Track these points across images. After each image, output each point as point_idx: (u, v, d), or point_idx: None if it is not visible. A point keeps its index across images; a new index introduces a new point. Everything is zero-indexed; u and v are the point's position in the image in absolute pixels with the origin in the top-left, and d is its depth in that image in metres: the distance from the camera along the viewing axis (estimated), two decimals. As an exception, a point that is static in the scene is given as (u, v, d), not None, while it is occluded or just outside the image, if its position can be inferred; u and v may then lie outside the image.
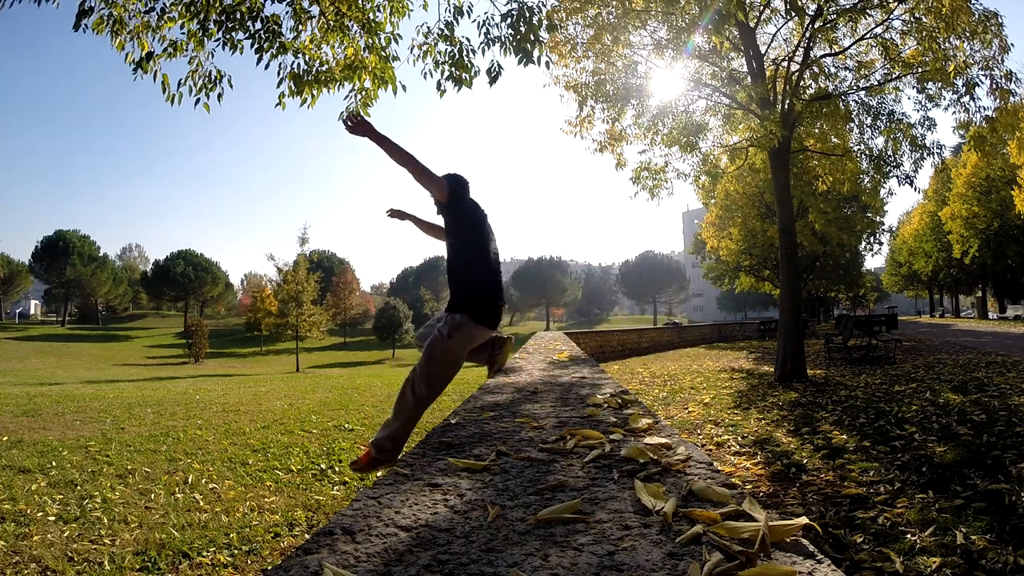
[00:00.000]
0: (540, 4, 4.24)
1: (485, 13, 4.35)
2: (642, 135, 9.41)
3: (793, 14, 8.04)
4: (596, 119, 9.30)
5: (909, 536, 2.61)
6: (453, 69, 4.40)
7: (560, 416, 1.48)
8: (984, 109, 8.19)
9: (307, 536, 2.12)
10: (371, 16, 4.52)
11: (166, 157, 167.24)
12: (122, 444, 5.13)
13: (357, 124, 2.56)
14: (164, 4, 4.11)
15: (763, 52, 8.77)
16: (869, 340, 11.59)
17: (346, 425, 6.04)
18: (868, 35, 8.60)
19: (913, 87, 8.62)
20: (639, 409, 1.54)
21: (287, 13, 4.36)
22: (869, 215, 19.30)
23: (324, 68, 4.52)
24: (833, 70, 9.23)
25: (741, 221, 17.23)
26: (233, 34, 4.21)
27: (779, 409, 6.17)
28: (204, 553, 2.91)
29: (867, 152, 9.30)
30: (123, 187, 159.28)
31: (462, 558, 0.65)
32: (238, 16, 4.18)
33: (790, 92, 8.44)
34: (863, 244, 22.34)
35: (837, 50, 8.82)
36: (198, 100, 4.23)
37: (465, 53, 4.41)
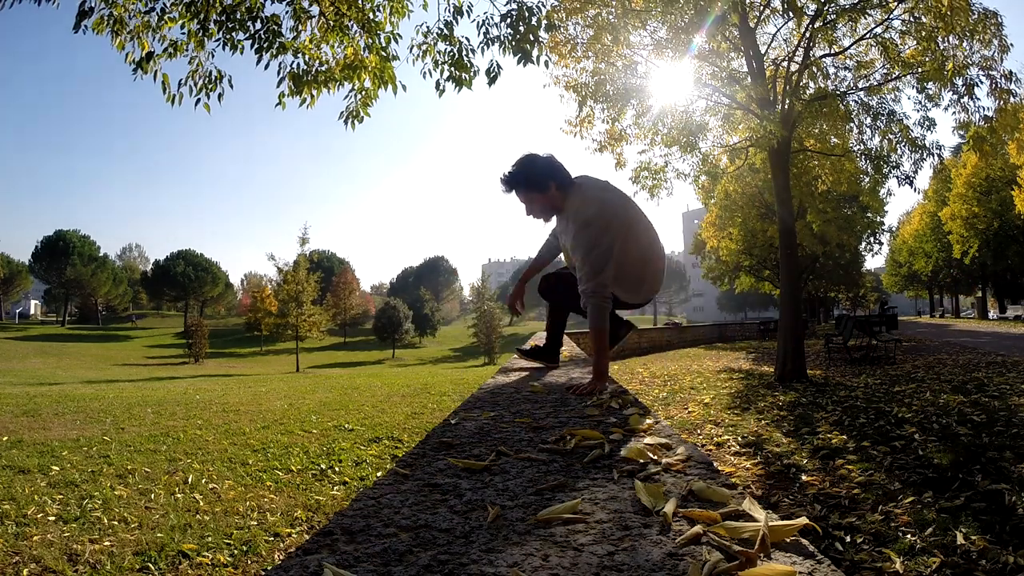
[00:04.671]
0: (540, 4, 4.25)
1: (484, 13, 4.36)
2: (642, 135, 9.41)
3: (791, 14, 8.04)
4: (596, 119, 9.31)
5: (909, 536, 2.61)
6: (453, 69, 4.40)
7: (560, 416, 1.48)
8: (984, 109, 8.20)
9: (307, 536, 2.12)
10: (371, 16, 4.52)
11: (166, 157, 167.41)
12: (122, 444, 5.12)
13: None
14: (164, 4, 4.11)
15: (763, 52, 8.77)
16: (869, 340, 11.59)
17: (346, 425, 6.04)
18: (868, 35, 8.61)
19: (913, 87, 8.63)
20: (639, 409, 1.54)
21: (287, 13, 4.36)
22: (869, 215, 19.30)
23: (324, 68, 4.52)
24: (833, 70, 9.24)
25: (741, 221, 17.22)
26: (233, 34, 4.21)
27: (779, 409, 6.18)
28: (204, 553, 2.91)
29: (866, 152, 9.30)
30: (123, 187, 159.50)
31: (462, 558, 0.65)
32: (238, 16, 4.18)
33: (790, 92, 8.45)
34: (863, 244, 22.35)
35: (837, 50, 8.82)
36: (198, 100, 4.23)
37: (464, 53, 4.41)
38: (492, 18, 4.22)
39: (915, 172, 8.81)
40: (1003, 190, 26.59)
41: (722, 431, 5.27)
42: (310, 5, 4.44)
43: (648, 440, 1.16)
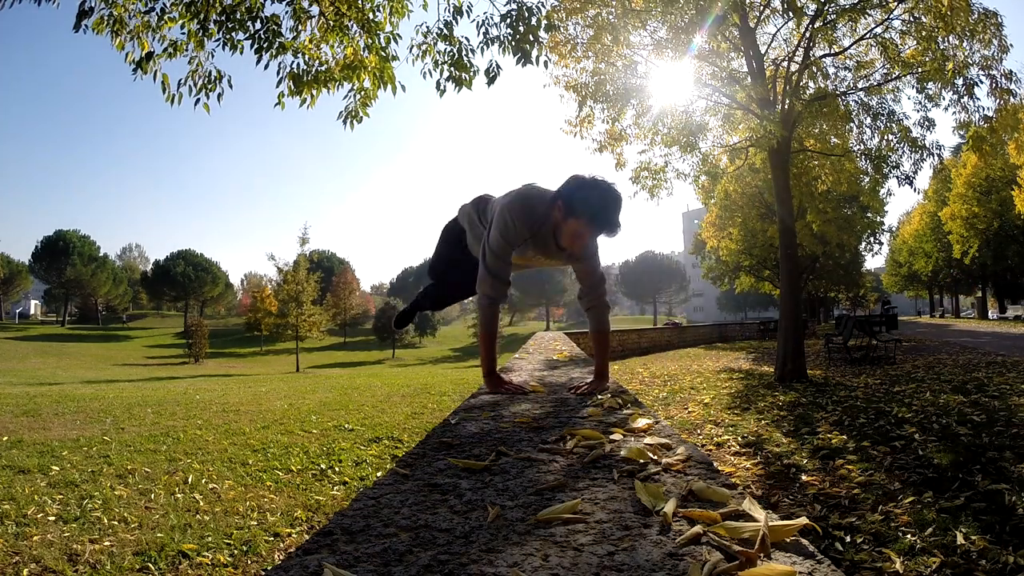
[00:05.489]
0: (540, 4, 4.25)
1: (484, 13, 4.35)
2: (642, 135, 9.41)
3: (791, 14, 8.04)
4: (596, 119, 9.31)
5: (909, 536, 2.62)
6: (453, 69, 4.40)
7: (560, 416, 1.48)
8: (984, 109, 8.20)
9: (307, 536, 2.12)
10: (371, 16, 4.52)
11: (166, 157, 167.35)
12: (122, 444, 5.12)
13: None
14: (164, 4, 4.11)
15: (763, 52, 8.77)
16: (869, 340, 11.59)
17: (346, 425, 6.05)
18: (868, 35, 8.61)
19: (913, 87, 8.63)
20: (639, 409, 1.54)
21: (287, 13, 4.36)
22: (869, 215, 19.29)
23: (323, 68, 4.52)
24: (833, 70, 9.24)
25: (741, 221, 17.22)
26: (233, 34, 4.21)
27: (779, 409, 6.18)
28: (204, 553, 2.91)
29: (866, 152, 9.30)
30: (123, 187, 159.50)
31: (462, 558, 0.65)
32: (238, 16, 4.18)
33: (790, 92, 8.45)
34: (863, 244, 22.34)
35: (837, 50, 8.82)
36: (198, 100, 4.23)
37: (464, 53, 4.41)
38: (492, 18, 4.22)
39: (915, 172, 8.82)
40: (1003, 190, 26.59)
41: (722, 431, 5.27)
42: (310, 5, 4.45)
43: (648, 440, 1.16)
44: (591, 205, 1.80)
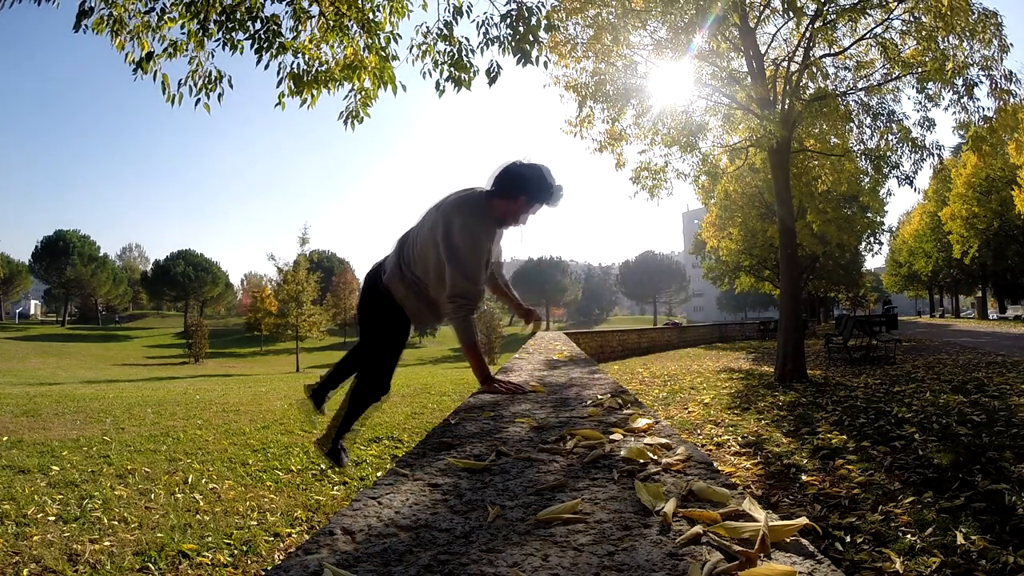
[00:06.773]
0: (540, 4, 4.24)
1: (484, 13, 4.35)
2: (642, 135, 9.41)
3: (791, 14, 8.04)
4: (596, 119, 9.30)
5: (909, 536, 2.61)
6: (452, 69, 4.40)
7: (560, 416, 1.48)
8: (983, 109, 8.21)
9: (307, 536, 2.11)
10: (371, 16, 4.52)
11: (166, 157, 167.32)
12: (122, 444, 5.12)
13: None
14: (164, 4, 4.11)
15: (763, 52, 8.77)
16: (869, 340, 11.59)
17: (346, 425, 6.04)
18: (868, 35, 8.61)
19: (913, 87, 8.63)
20: (639, 409, 1.54)
21: (287, 13, 4.36)
22: (869, 215, 19.28)
23: (324, 68, 4.52)
24: (833, 70, 9.24)
25: (741, 221, 17.22)
26: (233, 34, 4.21)
27: (779, 409, 6.17)
28: (204, 553, 2.91)
29: (866, 152, 9.31)
30: (123, 187, 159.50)
31: (462, 558, 0.65)
32: (238, 16, 4.18)
33: (790, 92, 8.44)
34: (863, 244, 22.33)
35: (837, 50, 8.82)
36: (198, 100, 4.23)
37: (464, 53, 4.40)
38: (492, 18, 4.22)
39: (915, 172, 8.82)
40: (1003, 190, 26.59)
41: (722, 431, 5.27)
42: (310, 5, 4.44)
43: (648, 440, 1.16)
44: (546, 188, 2.18)
